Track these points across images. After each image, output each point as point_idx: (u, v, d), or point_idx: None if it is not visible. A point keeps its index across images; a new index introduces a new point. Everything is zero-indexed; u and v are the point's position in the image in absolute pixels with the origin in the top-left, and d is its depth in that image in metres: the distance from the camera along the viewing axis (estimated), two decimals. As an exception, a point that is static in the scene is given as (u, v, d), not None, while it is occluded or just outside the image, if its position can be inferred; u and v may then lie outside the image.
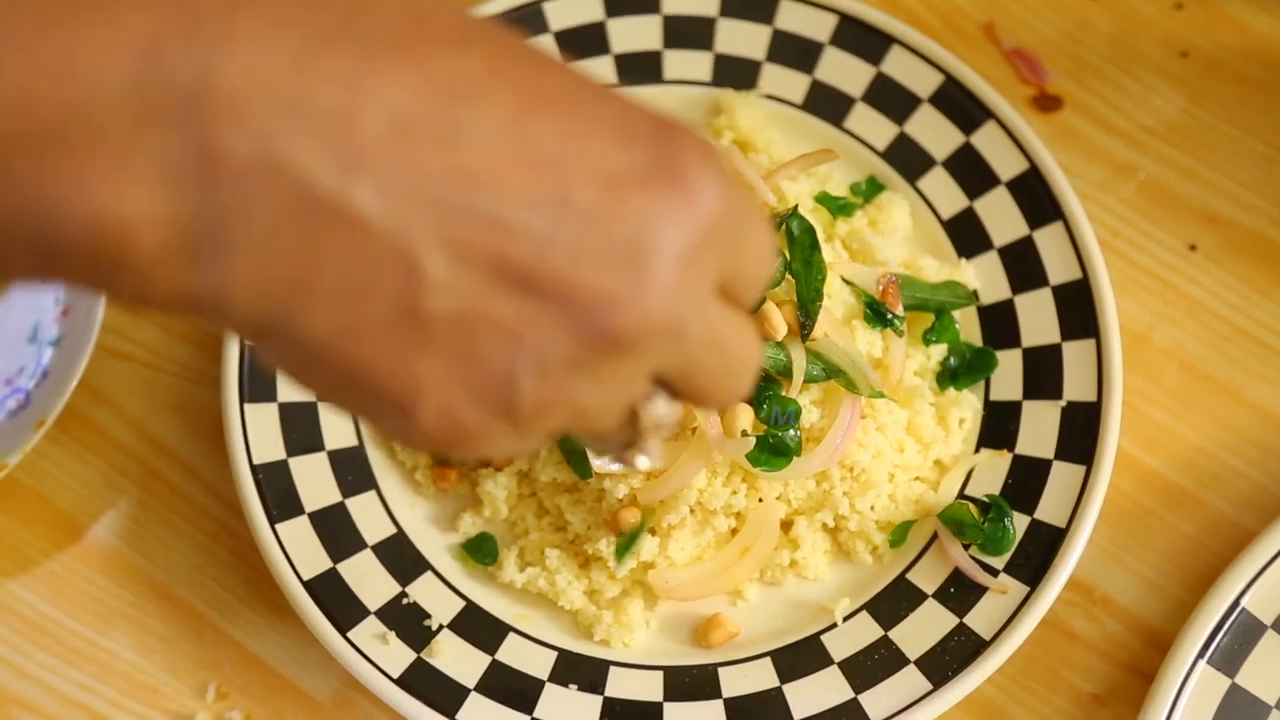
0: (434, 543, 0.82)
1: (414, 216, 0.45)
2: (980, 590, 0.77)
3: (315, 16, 0.45)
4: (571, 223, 0.46)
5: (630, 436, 0.55)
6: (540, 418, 0.49)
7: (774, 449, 0.76)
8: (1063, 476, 0.79)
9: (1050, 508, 0.78)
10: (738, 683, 0.77)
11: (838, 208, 0.85)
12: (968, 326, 0.84)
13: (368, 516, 0.81)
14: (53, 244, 0.45)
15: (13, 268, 0.47)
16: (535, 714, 0.76)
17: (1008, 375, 0.83)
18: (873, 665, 0.76)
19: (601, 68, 0.90)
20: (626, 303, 0.47)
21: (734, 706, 0.76)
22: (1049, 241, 0.84)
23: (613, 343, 0.47)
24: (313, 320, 0.47)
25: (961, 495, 0.81)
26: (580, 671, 0.78)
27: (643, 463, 0.58)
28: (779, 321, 0.75)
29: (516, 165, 0.46)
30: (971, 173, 0.86)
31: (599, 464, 0.76)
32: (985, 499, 0.80)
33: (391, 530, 0.81)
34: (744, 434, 0.75)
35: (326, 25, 0.45)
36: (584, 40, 0.90)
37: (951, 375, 0.83)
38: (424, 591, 0.80)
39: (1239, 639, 0.75)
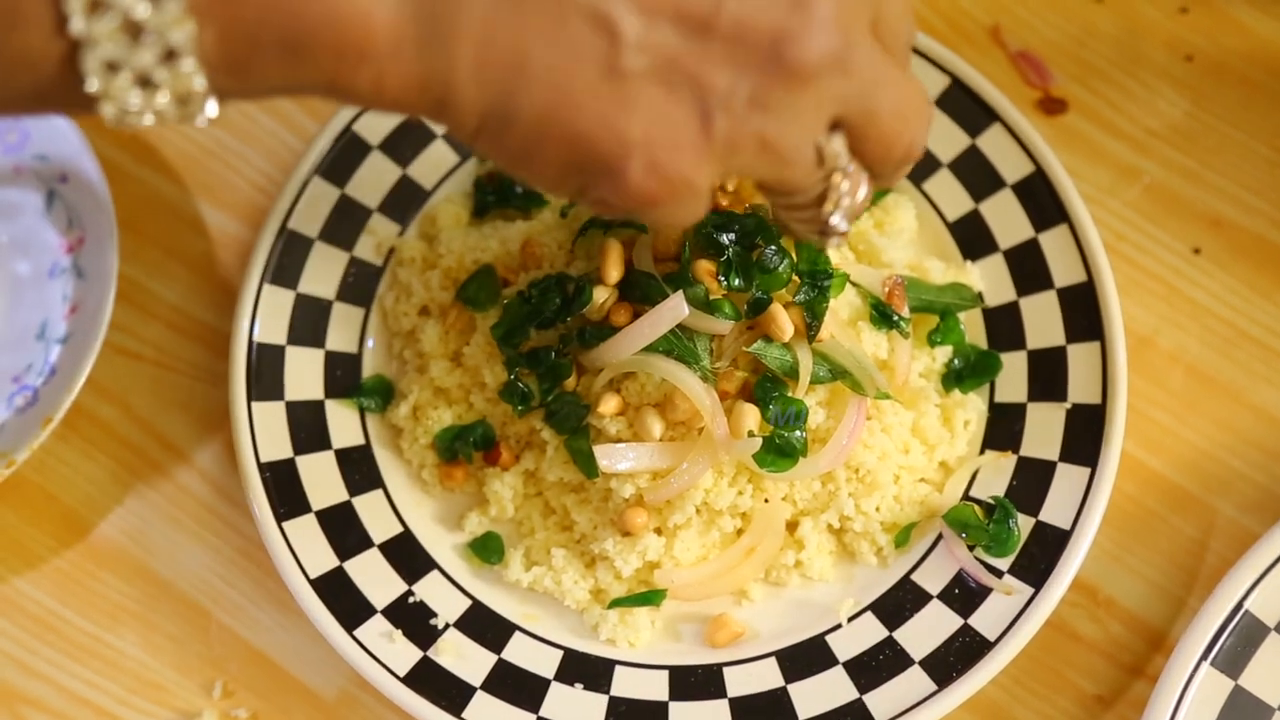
0: (440, 542, 0.82)
1: None
2: (985, 591, 0.77)
3: None
4: None
5: (821, 186, 0.62)
6: (732, 154, 0.57)
7: (780, 450, 0.76)
8: (1067, 478, 0.79)
9: (1055, 509, 0.78)
10: (743, 682, 0.77)
11: (844, 209, 0.85)
12: (973, 329, 0.85)
13: (374, 515, 0.82)
14: (302, 40, 0.52)
15: (265, 69, 0.54)
16: (541, 713, 0.76)
17: (1012, 377, 0.83)
18: (877, 666, 0.76)
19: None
20: (796, 36, 0.55)
21: (739, 706, 0.76)
22: (1054, 244, 0.84)
23: (788, 73, 0.56)
24: (530, 96, 0.54)
25: (966, 497, 0.81)
26: (586, 670, 0.78)
27: (839, 225, 0.63)
28: (785, 323, 0.75)
29: None
30: (977, 175, 0.86)
31: (605, 463, 0.76)
32: (990, 500, 0.80)
33: (398, 529, 0.82)
34: (750, 434, 0.75)
35: None
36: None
37: (956, 377, 0.83)
38: (430, 590, 0.80)
39: (1242, 641, 0.75)
